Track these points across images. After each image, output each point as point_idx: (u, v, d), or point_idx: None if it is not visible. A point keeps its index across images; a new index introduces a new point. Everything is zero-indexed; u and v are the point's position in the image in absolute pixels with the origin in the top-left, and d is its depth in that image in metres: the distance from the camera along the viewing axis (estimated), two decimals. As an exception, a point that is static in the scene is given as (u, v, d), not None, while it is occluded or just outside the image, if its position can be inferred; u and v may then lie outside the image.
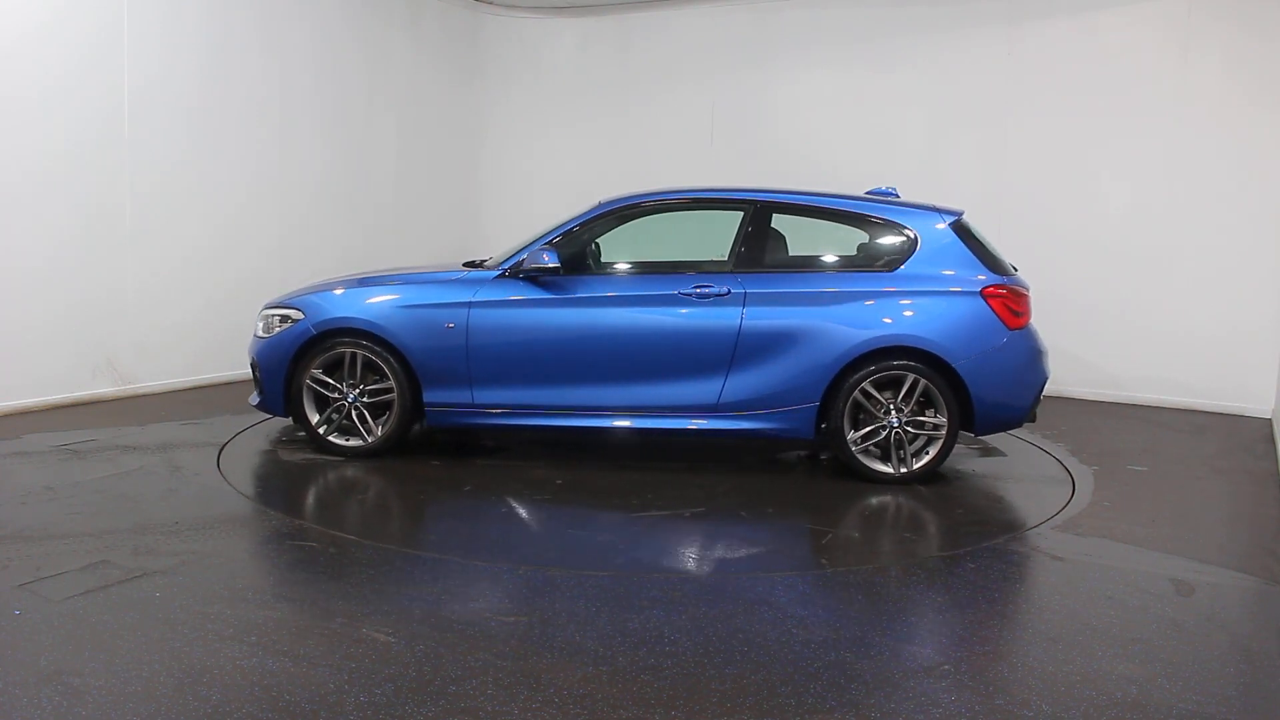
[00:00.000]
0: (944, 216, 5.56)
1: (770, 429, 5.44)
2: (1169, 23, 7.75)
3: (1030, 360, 5.39)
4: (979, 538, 4.58)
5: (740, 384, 5.40)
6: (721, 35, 9.40)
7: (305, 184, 8.37)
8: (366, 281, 5.90)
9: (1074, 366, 7.92)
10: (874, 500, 5.19)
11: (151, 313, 7.20)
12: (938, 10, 8.53)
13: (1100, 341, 8.08)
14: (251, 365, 5.86)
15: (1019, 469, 5.91)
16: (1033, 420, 5.57)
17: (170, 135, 7.21)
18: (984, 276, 5.38)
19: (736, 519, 4.82)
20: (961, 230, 5.54)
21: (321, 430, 5.67)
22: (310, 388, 5.65)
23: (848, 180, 7.13)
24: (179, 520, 4.42)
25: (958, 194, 7.16)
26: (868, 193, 5.90)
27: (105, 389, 6.93)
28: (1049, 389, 5.75)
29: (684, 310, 5.44)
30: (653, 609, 3.60)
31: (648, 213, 5.89)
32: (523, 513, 4.89)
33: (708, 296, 5.42)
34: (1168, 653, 3.37)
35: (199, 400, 7.09)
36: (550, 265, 5.45)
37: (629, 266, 5.81)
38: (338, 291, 5.80)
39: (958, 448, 6.08)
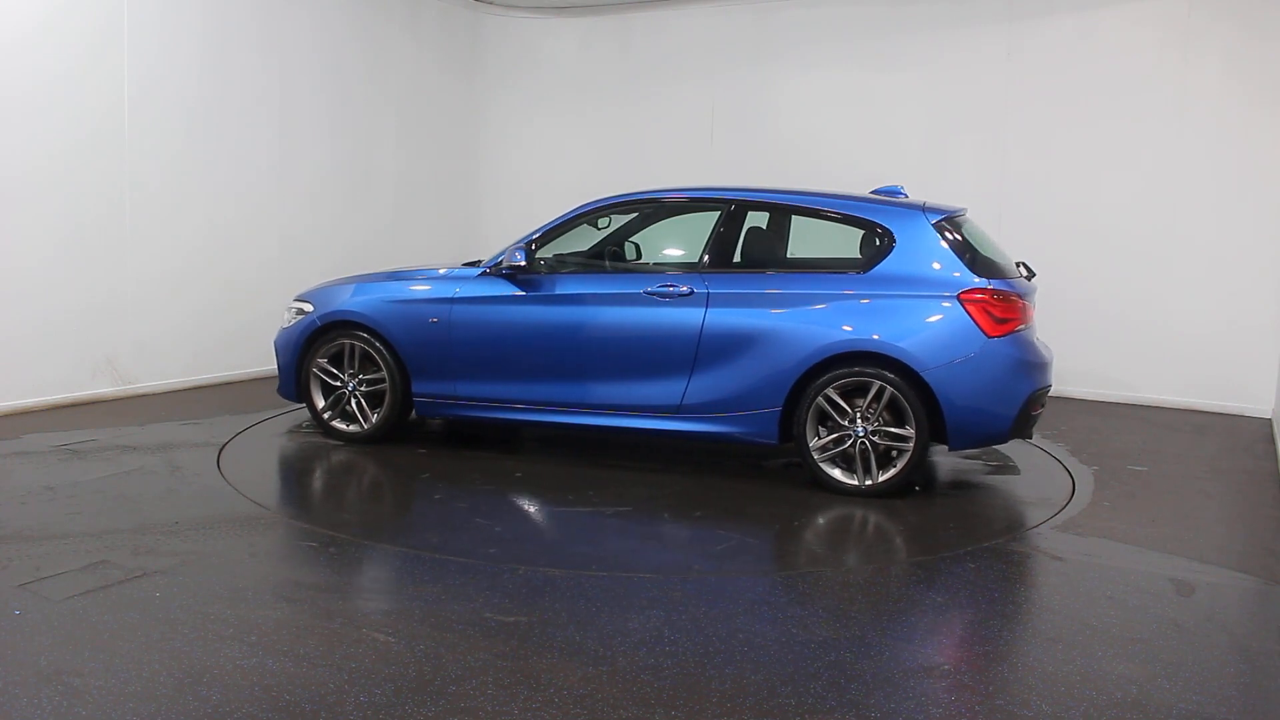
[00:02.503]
0: (929, 215, 5.24)
1: (733, 433, 5.29)
2: (1169, 23, 7.74)
3: (1012, 370, 4.99)
4: (979, 538, 4.57)
5: (703, 386, 5.28)
6: (722, 35, 9.39)
7: (305, 183, 8.37)
8: (371, 278, 6.20)
9: (1074, 366, 7.90)
10: (818, 510, 4.94)
11: (151, 313, 7.19)
12: (938, 9, 8.53)
13: (1101, 341, 8.07)
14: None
15: (1018, 469, 5.90)
16: (1025, 436, 5.25)
17: (170, 134, 7.21)
18: (962, 279, 5.03)
19: (654, 520, 4.78)
20: (947, 230, 5.20)
21: (326, 416, 5.97)
22: (317, 376, 5.97)
23: (849, 179, 7.13)
24: (179, 520, 4.42)
25: (958, 192, 7.15)
26: (873, 191, 5.76)
27: (105, 389, 6.93)
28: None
29: (648, 310, 5.38)
30: (653, 609, 3.60)
31: (626, 213, 5.96)
32: (448, 501, 5.04)
33: (671, 296, 5.35)
34: (1168, 653, 3.36)
35: (199, 400, 7.09)
36: (517, 263, 5.58)
37: (601, 265, 5.89)
38: (344, 286, 6.12)
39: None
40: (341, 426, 5.95)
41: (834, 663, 3.21)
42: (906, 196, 5.76)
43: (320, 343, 5.95)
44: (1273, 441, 6.72)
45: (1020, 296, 5.14)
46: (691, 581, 3.92)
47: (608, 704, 2.89)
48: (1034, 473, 5.83)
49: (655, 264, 5.83)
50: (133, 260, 7.03)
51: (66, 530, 4.22)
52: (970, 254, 5.17)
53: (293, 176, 8.23)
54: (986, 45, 8.38)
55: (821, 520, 4.86)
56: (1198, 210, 7.76)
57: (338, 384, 5.94)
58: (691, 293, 5.32)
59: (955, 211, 5.46)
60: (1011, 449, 6.27)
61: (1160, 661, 3.29)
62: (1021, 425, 5.11)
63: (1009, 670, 3.30)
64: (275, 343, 6.18)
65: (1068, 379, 7.90)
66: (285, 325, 6.15)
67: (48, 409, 6.50)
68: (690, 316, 5.29)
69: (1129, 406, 7.93)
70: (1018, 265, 5.53)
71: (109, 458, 5.42)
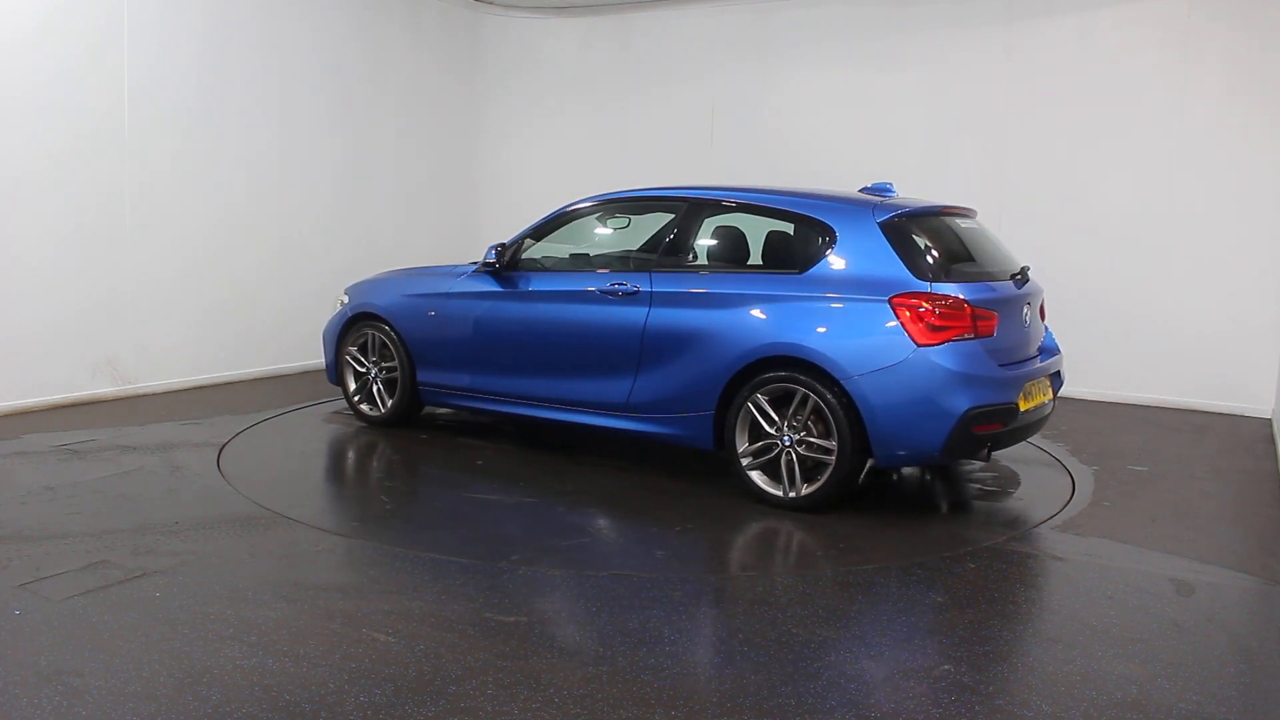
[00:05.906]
0: (878, 214, 4.87)
1: (671, 434, 5.20)
2: (1169, 23, 7.74)
3: (943, 383, 4.49)
4: (979, 538, 4.57)
5: (646, 385, 5.24)
6: (722, 34, 9.39)
7: (305, 183, 8.36)
8: (396, 273, 6.67)
9: (1074, 366, 7.89)
10: (721, 518, 4.76)
11: (152, 313, 7.19)
12: (938, 9, 8.53)
13: (1100, 341, 8.06)
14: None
15: (1018, 469, 5.90)
16: (975, 457, 4.81)
17: (170, 134, 7.20)
18: (899, 281, 4.64)
19: (543, 512, 4.80)
20: (898, 229, 4.82)
21: (355, 399, 6.49)
22: (349, 363, 6.49)
23: (849, 179, 7.11)
24: (179, 520, 4.42)
25: (958, 192, 7.13)
26: (862, 189, 5.60)
27: (105, 389, 6.92)
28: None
29: (599, 308, 5.42)
30: (653, 609, 3.60)
31: (601, 213, 5.96)
32: (382, 480, 5.47)
33: (619, 295, 5.35)
34: (1168, 653, 3.37)
35: (199, 400, 7.08)
36: (489, 261, 5.86)
37: (566, 263, 5.99)
38: (374, 280, 6.64)
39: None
40: (366, 409, 6.45)
41: (834, 663, 3.21)
42: (895, 194, 5.51)
43: (351, 332, 6.46)
44: (1273, 441, 6.72)
45: (975, 304, 4.64)
46: (692, 582, 3.93)
47: (608, 704, 2.89)
48: (1034, 473, 5.83)
49: (612, 263, 5.82)
50: (133, 260, 7.03)
51: (66, 530, 4.22)
52: (923, 255, 4.76)
53: (293, 177, 8.23)
54: (986, 45, 8.38)
55: (713, 526, 4.68)
56: (1197, 210, 7.75)
57: (364, 370, 6.42)
58: (638, 292, 5.31)
59: (926, 209, 5.12)
60: (1011, 449, 6.24)
61: (1160, 661, 3.29)
62: (960, 445, 4.60)
63: (1009, 670, 3.30)
64: (323, 332, 6.69)
65: (1068, 378, 7.89)
66: (332, 316, 6.66)
67: (48, 409, 6.50)
68: (635, 315, 5.28)
69: (1129, 406, 7.93)
70: (1020, 270, 5.28)
71: (109, 458, 5.42)
